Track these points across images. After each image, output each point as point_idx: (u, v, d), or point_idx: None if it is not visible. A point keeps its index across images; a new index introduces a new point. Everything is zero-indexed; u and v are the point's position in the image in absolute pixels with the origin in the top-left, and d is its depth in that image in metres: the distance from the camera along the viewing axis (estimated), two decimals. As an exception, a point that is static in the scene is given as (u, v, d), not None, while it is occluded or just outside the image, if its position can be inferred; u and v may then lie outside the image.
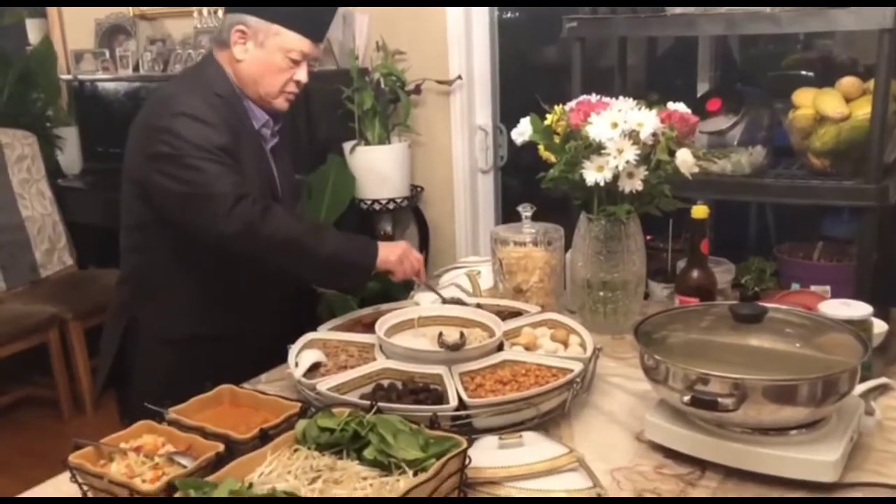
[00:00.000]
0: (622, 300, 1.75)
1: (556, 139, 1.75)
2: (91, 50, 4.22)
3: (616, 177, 1.63)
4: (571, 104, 1.74)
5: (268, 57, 1.73)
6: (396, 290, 3.21)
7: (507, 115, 3.47)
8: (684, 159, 1.63)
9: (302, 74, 1.78)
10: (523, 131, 1.78)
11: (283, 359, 1.55)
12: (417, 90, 3.31)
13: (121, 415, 1.88)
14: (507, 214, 3.53)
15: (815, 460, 1.14)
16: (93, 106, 4.23)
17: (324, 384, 1.36)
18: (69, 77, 4.26)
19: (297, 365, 1.46)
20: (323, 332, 1.62)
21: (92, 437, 1.20)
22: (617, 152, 1.59)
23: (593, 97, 1.74)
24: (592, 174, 1.63)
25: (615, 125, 1.59)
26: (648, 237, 1.97)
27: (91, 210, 4.04)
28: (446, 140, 3.44)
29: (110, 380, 1.86)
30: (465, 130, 3.43)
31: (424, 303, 1.84)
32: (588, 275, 1.75)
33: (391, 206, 3.28)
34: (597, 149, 1.62)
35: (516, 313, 1.71)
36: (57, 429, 3.40)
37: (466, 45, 3.34)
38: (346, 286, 1.72)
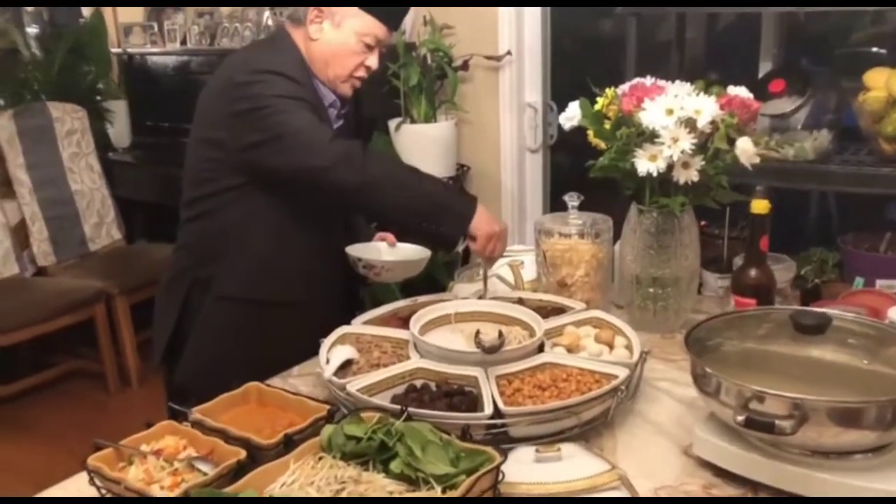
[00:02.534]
0: (673, 297, 1.65)
1: (607, 124, 1.65)
2: (140, 23, 4.21)
3: (670, 167, 1.53)
4: (624, 88, 1.63)
5: (342, 39, 1.70)
6: (439, 272, 3.15)
7: (558, 92, 3.35)
8: (745, 149, 1.51)
9: (373, 60, 1.74)
10: (572, 116, 1.68)
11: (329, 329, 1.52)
12: (465, 66, 3.21)
13: (168, 389, 1.85)
14: (557, 195, 3.42)
15: (881, 489, 1.04)
16: (142, 80, 4.24)
17: (354, 384, 1.30)
18: (119, 50, 4.27)
19: (328, 361, 1.41)
20: (357, 327, 1.56)
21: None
22: (672, 141, 1.48)
23: (648, 80, 1.63)
24: (645, 163, 1.53)
25: (670, 112, 1.48)
26: (703, 223, 1.85)
27: (140, 184, 4.06)
28: (494, 118, 3.34)
29: (168, 351, 1.82)
30: (513, 108, 3.32)
31: (463, 294, 1.77)
32: (637, 270, 1.65)
33: (436, 185, 3.20)
34: (650, 137, 1.52)
35: (559, 310, 1.63)
36: (104, 402, 3.44)
37: (517, 19, 3.23)
38: (441, 231, 1.64)
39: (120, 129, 4.28)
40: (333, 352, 1.44)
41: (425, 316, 1.52)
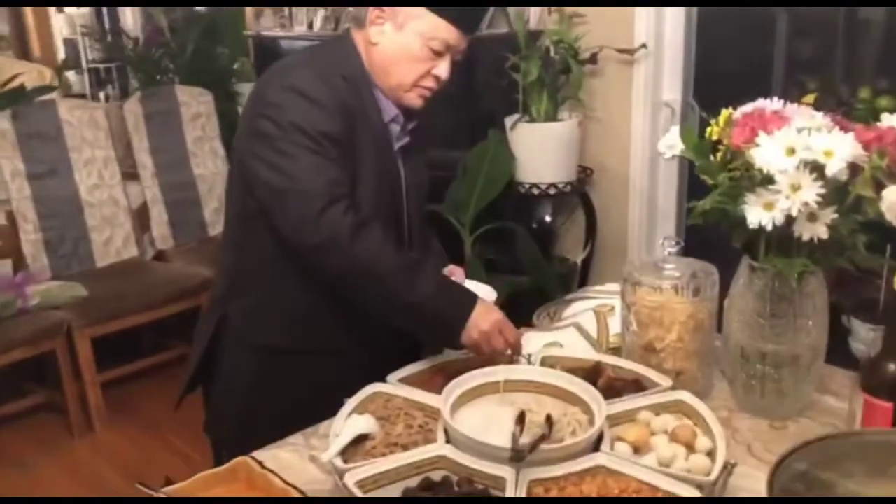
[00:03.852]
0: (789, 379, 1.31)
1: (718, 156, 1.32)
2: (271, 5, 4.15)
3: (791, 218, 1.18)
4: (738, 112, 1.30)
5: (405, 42, 1.45)
6: (551, 285, 2.87)
7: (701, 88, 2.95)
8: (894, 202, 1.15)
9: (442, 69, 1.47)
10: (672, 144, 1.36)
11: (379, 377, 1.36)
12: (593, 59, 2.89)
13: (206, 419, 1.72)
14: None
15: None
16: (271, 63, 4.18)
17: (356, 474, 1.08)
18: (251, 33, 4.23)
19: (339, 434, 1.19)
20: (390, 385, 1.34)
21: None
22: (791, 189, 1.14)
23: (771, 103, 1.28)
24: (757, 212, 1.19)
25: (791, 152, 1.14)
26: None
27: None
28: (625, 117, 2.99)
29: (195, 380, 1.68)
30: (647, 106, 2.96)
31: (533, 345, 1.50)
32: (743, 341, 1.32)
33: (552, 191, 2.91)
34: (765, 180, 1.18)
35: (638, 383, 1.33)
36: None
37: (656, 7, 2.86)
38: (425, 340, 1.42)
39: (250, 113, 4.25)
40: (350, 421, 1.22)
41: (468, 382, 1.27)
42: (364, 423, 1.21)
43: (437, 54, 1.46)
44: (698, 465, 1.11)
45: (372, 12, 1.46)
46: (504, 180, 2.92)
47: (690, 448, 1.14)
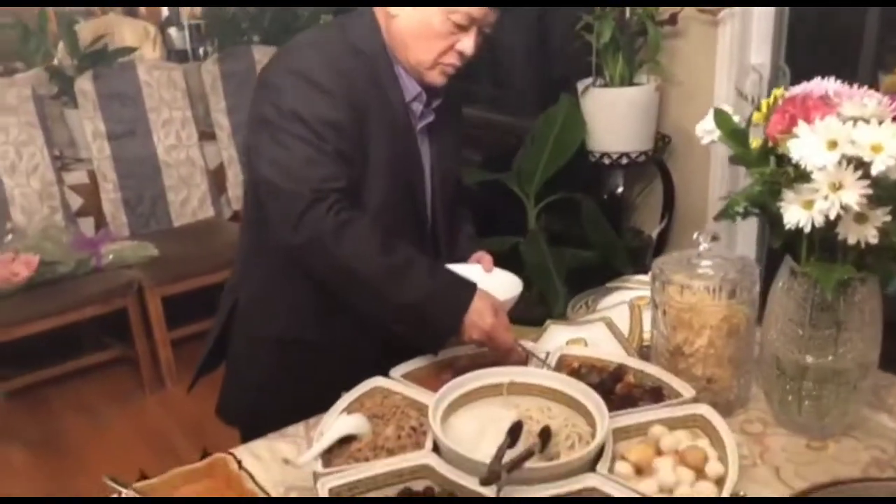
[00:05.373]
0: (831, 396, 1.17)
1: (756, 142, 1.17)
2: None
3: (832, 219, 1.04)
4: (786, 94, 1.14)
5: (424, 16, 1.34)
6: (620, 259, 2.73)
7: (798, 51, 2.70)
8: (957, 206, 0.98)
9: (466, 44, 1.36)
10: (711, 129, 1.22)
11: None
12: (672, 20, 2.69)
13: (218, 403, 1.70)
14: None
15: None
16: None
17: (327, 482, 1.03)
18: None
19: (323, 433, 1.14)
20: (391, 381, 1.28)
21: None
22: (830, 189, 0.99)
23: (825, 85, 1.12)
24: (795, 211, 1.05)
25: (833, 145, 0.99)
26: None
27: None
28: (708, 82, 2.78)
29: (208, 364, 1.66)
30: (732, 70, 2.74)
31: (556, 340, 1.41)
32: (779, 353, 1.18)
33: (624, 160, 2.75)
34: (800, 177, 1.04)
35: (659, 393, 1.22)
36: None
37: (746, -39, 2.62)
38: (419, 344, 1.35)
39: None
40: (338, 421, 1.16)
41: (469, 383, 1.20)
42: (352, 423, 1.15)
43: (461, 28, 1.35)
44: (703, 493, 1.00)
45: None
46: (573, 148, 2.78)
47: (700, 472, 1.03)
